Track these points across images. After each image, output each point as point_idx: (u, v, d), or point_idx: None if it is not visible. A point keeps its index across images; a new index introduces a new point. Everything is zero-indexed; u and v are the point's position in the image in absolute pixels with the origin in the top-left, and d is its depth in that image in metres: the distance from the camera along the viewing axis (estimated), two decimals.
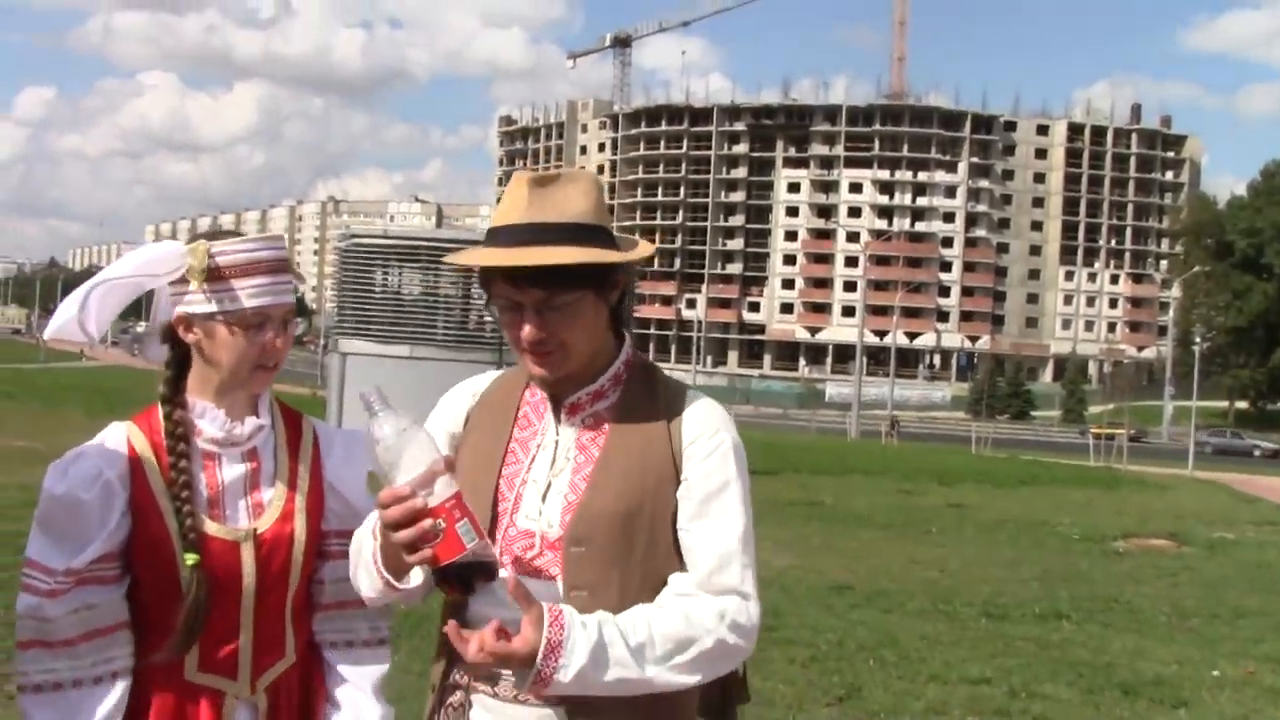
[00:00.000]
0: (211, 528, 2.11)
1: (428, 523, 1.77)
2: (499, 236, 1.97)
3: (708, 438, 2.01)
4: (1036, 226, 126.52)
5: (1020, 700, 6.69)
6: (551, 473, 2.02)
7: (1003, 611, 9.84)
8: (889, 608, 9.79)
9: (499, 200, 2.08)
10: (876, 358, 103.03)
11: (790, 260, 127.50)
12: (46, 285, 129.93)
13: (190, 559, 2.07)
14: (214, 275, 2.11)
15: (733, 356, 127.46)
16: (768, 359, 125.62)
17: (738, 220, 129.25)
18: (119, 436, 2.15)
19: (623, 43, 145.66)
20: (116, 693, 2.08)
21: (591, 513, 1.95)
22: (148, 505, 2.09)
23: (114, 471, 2.09)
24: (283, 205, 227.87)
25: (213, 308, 2.12)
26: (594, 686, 1.85)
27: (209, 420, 2.16)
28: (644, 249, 2.09)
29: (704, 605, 1.92)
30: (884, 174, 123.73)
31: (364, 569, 1.98)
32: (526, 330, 1.95)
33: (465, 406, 2.16)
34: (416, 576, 1.90)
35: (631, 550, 1.95)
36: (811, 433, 49.57)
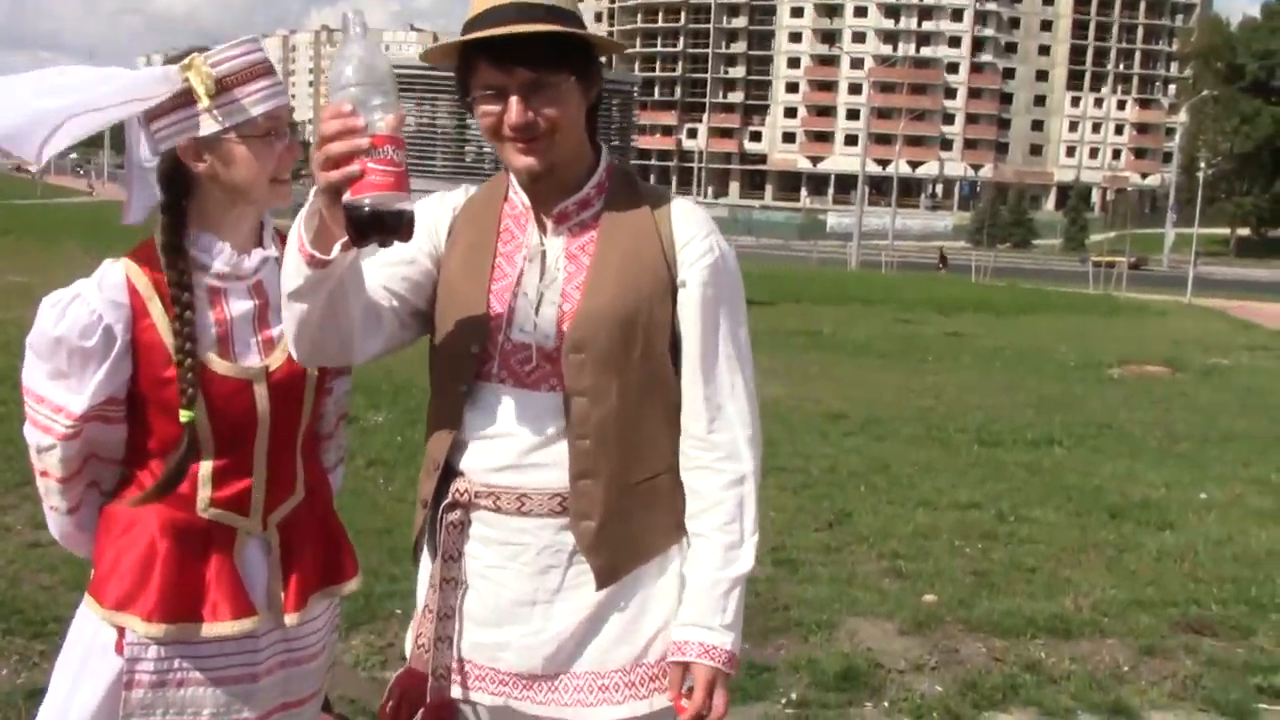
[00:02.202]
0: (221, 366, 2.06)
1: (362, 141, 1.63)
2: (482, 21, 1.90)
3: (699, 240, 2.00)
4: (1044, 51, 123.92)
5: (1008, 524, 6.78)
6: (542, 284, 1.99)
7: (995, 438, 9.92)
8: (882, 435, 9.89)
9: None
10: (879, 187, 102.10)
11: (793, 88, 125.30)
12: None
13: (185, 415, 2.02)
14: (219, 88, 1.99)
15: (734, 187, 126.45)
16: (769, 189, 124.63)
17: (739, 47, 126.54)
18: (118, 277, 2.05)
19: None
20: (94, 506, 2.16)
21: (589, 319, 1.94)
22: (154, 346, 2.03)
23: (114, 316, 2.01)
24: (275, 35, 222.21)
25: (224, 124, 2.00)
26: (739, 606, 2.01)
27: (214, 255, 2.07)
28: (615, 42, 2.07)
29: (720, 479, 2.00)
30: None
31: (289, 250, 1.80)
32: (513, 112, 1.89)
33: (446, 219, 2.09)
34: (337, 250, 1.73)
35: (629, 354, 1.96)
36: (813, 263, 49.44)
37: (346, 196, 1.65)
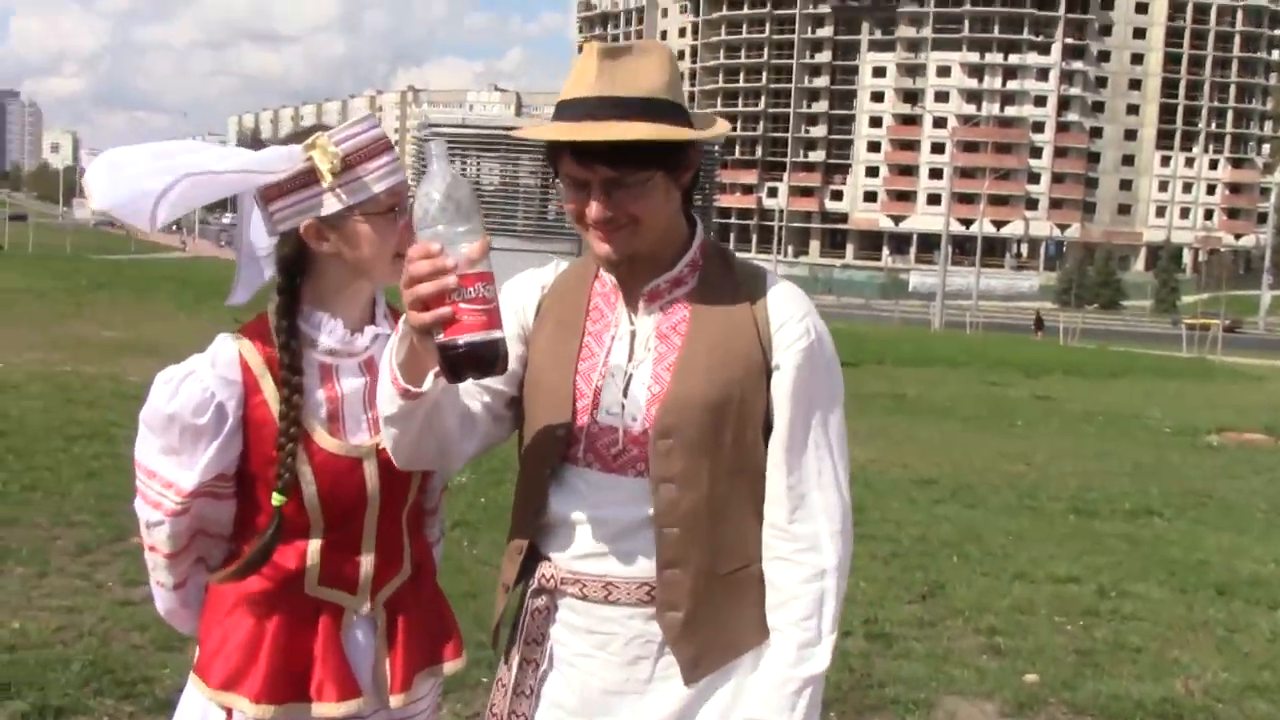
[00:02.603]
0: (331, 444, 2.02)
1: (451, 280, 1.65)
2: (567, 110, 1.85)
3: (795, 322, 1.92)
4: (1133, 110, 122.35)
5: (1110, 599, 6.53)
6: (631, 364, 1.94)
7: (1091, 507, 9.64)
8: (973, 502, 9.65)
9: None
10: (962, 246, 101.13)
11: (875, 147, 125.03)
12: None
13: (277, 499, 1.99)
14: (342, 166, 1.97)
15: (815, 246, 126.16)
16: (850, 248, 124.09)
17: (821, 106, 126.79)
18: (231, 354, 2.02)
19: None
20: (201, 583, 2.15)
21: (678, 403, 1.88)
22: (265, 423, 2.01)
23: (226, 393, 1.99)
24: (363, 95, 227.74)
25: (347, 202, 1.98)
26: (809, 705, 1.90)
27: (327, 332, 2.05)
28: (720, 127, 1.98)
29: (799, 573, 1.90)
30: (973, 57, 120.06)
31: (382, 378, 1.84)
32: (593, 208, 1.86)
33: (535, 299, 2.05)
34: (429, 382, 1.77)
35: (719, 440, 1.89)
36: (895, 323, 49.01)
37: (440, 337, 1.67)
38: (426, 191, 1.68)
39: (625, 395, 1.92)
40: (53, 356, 13.91)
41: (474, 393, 1.96)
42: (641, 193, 1.85)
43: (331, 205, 1.98)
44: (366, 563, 2.07)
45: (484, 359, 1.67)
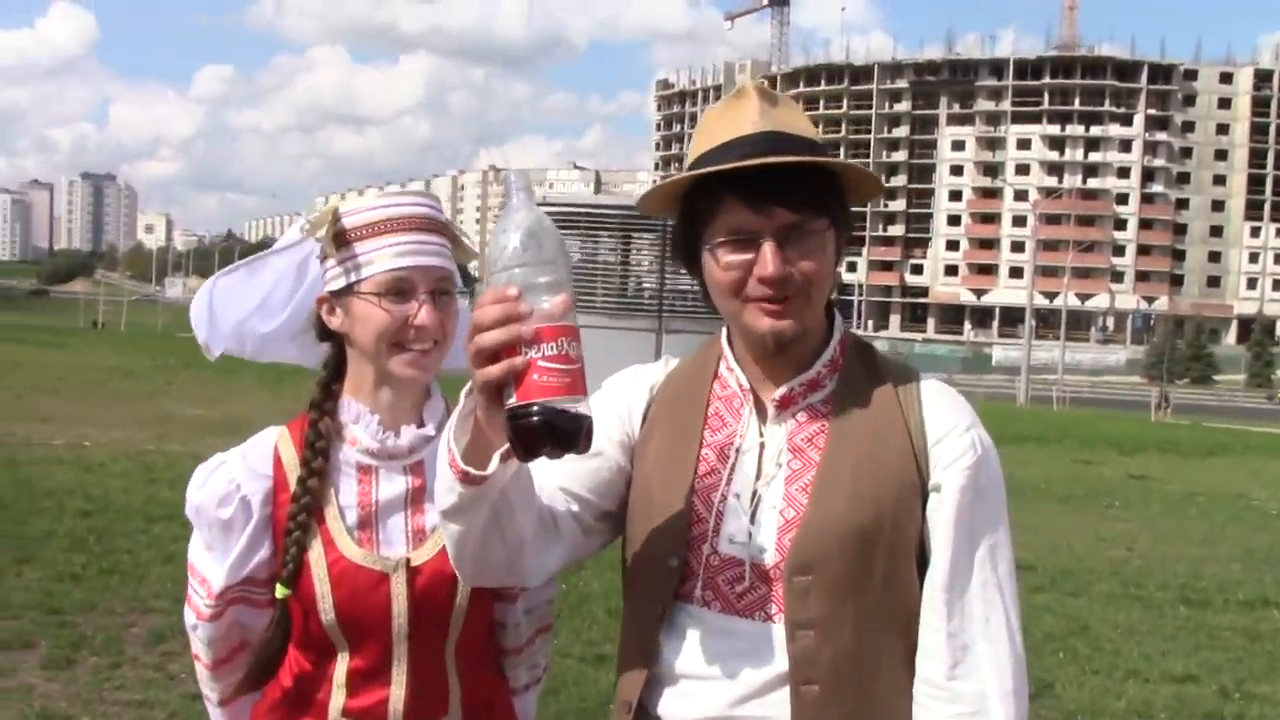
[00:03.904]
0: (355, 553, 1.79)
1: (526, 330, 1.33)
2: (728, 151, 1.57)
3: (959, 434, 1.62)
4: (1219, 180, 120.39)
5: (1234, 702, 6.09)
6: (759, 483, 1.62)
7: (1203, 597, 9.11)
8: (1076, 590, 9.18)
9: (689, 145, 1.70)
10: (1046, 320, 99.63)
11: (954, 220, 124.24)
12: (224, 256, 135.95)
13: (281, 591, 1.79)
14: (342, 239, 1.79)
15: (894, 320, 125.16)
16: (931, 322, 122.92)
17: (899, 180, 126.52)
18: (265, 447, 1.86)
19: (781, 1, 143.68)
20: (249, 704, 1.95)
21: (818, 532, 1.57)
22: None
23: (253, 487, 1.83)
24: (446, 175, 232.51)
25: (345, 280, 1.79)
26: None
27: (362, 427, 1.83)
28: (878, 181, 1.72)
29: None
30: (1054, 129, 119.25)
31: (440, 461, 1.50)
32: (768, 263, 1.54)
33: (642, 401, 1.75)
34: (495, 463, 1.43)
35: (868, 577, 1.57)
36: (979, 398, 48.13)
37: (510, 401, 1.34)
38: (503, 228, 1.38)
39: (752, 521, 1.61)
40: (139, 435, 14.03)
41: (558, 495, 1.65)
42: (818, 246, 1.58)
43: (337, 280, 1.82)
44: (397, 698, 1.81)
45: (564, 430, 1.33)
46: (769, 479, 1.63)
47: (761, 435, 1.65)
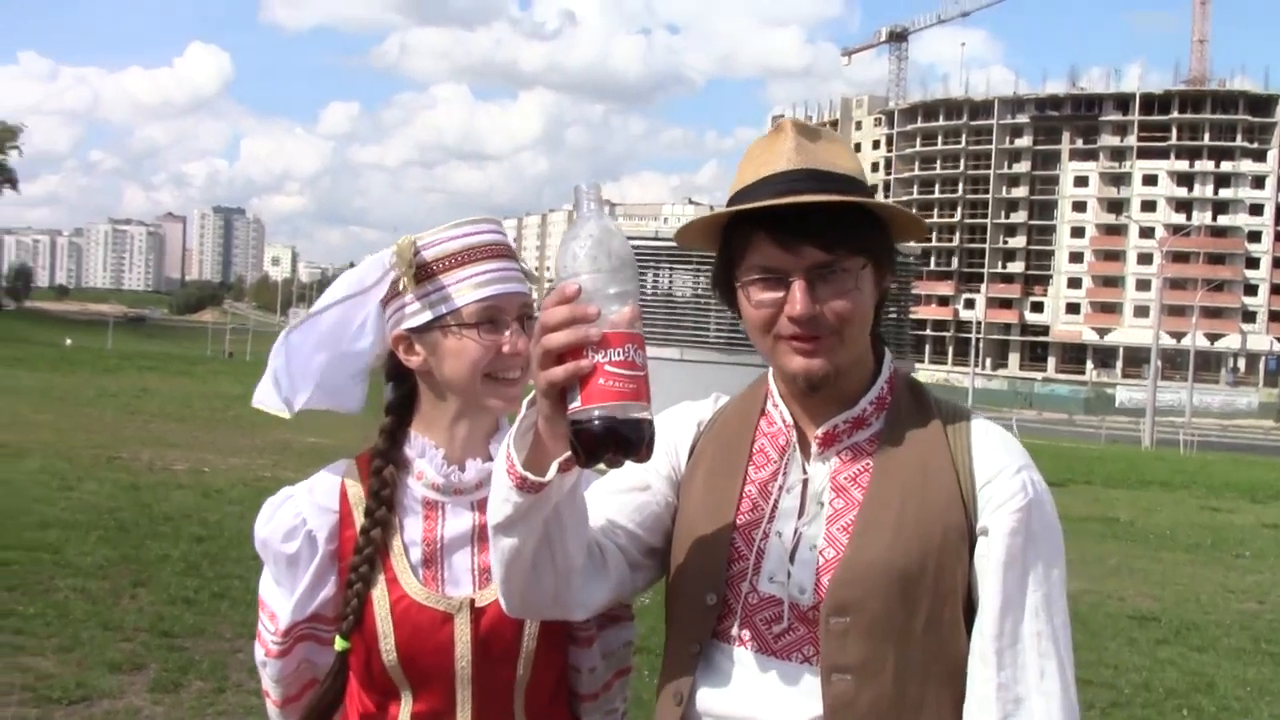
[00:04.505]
0: (419, 592, 1.76)
1: (593, 332, 1.32)
2: (759, 190, 1.55)
3: (1009, 476, 1.54)
4: None
5: None
6: (801, 522, 1.58)
7: None
8: (1201, 645, 8.78)
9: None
10: (1173, 361, 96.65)
11: (1077, 258, 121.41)
12: None
13: (340, 644, 1.76)
14: (424, 274, 1.75)
15: (1013, 359, 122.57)
16: (1052, 361, 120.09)
17: (1020, 217, 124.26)
18: (331, 483, 1.84)
19: (899, 37, 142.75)
20: None
21: (858, 572, 1.52)
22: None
23: (318, 523, 1.80)
24: (561, 209, 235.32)
25: (430, 314, 1.75)
26: None
27: (428, 461, 1.80)
28: (920, 221, 1.66)
29: None
30: (1182, 165, 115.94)
31: (496, 472, 1.49)
32: (797, 302, 1.51)
33: (689, 437, 1.73)
34: (553, 470, 1.41)
35: (910, 622, 1.51)
36: (1101, 440, 46.80)
37: (573, 405, 1.33)
38: (573, 236, 1.38)
39: (792, 560, 1.56)
40: (256, 462, 14.37)
41: (607, 529, 1.63)
42: (852, 286, 1.54)
43: (417, 317, 1.77)
44: None
45: (627, 437, 1.32)
46: (810, 518, 1.59)
47: (805, 473, 1.62)
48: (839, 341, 1.56)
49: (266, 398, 1.84)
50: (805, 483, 1.61)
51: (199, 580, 7.62)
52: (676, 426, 1.75)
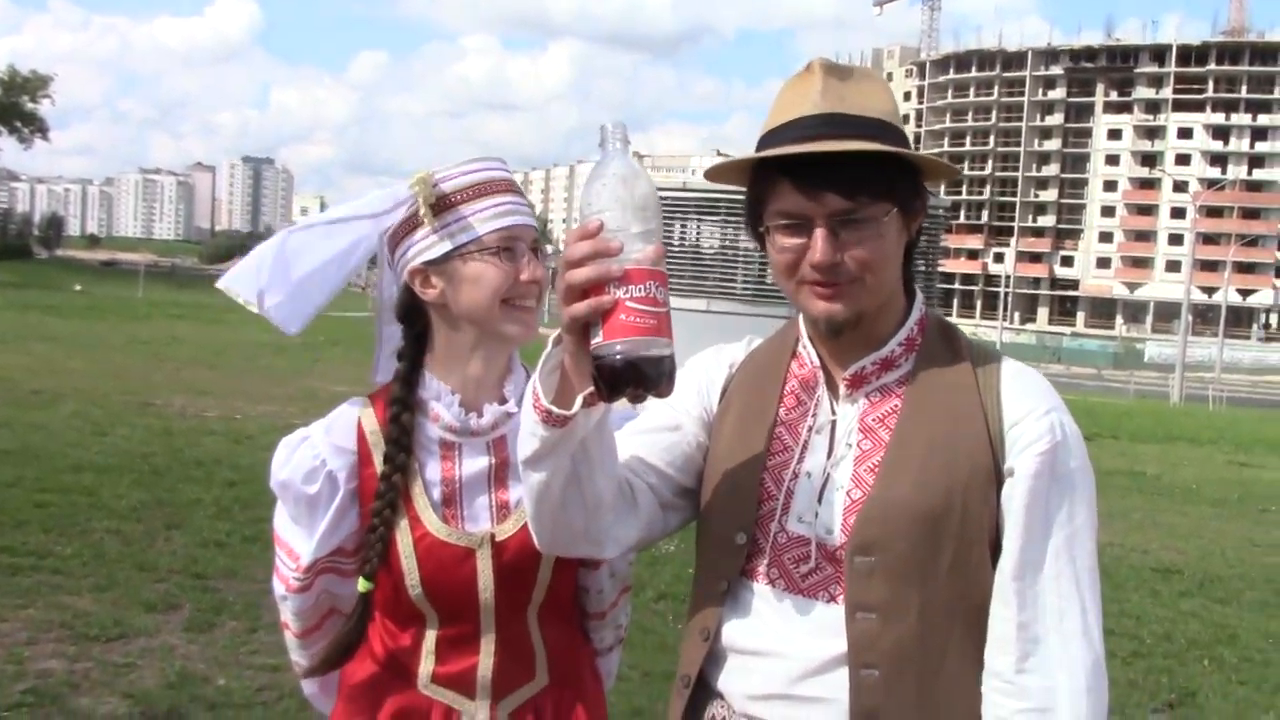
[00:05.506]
0: (441, 531, 1.82)
1: (615, 267, 1.35)
2: (786, 133, 1.54)
3: (1037, 417, 1.55)
4: None
5: None
6: (829, 463, 1.60)
7: None
8: (1224, 597, 8.78)
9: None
10: (1204, 316, 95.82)
11: (1109, 212, 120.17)
12: None
13: (363, 585, 1.82)
14: (442, 205, 1.79)
15: (1042, 313, 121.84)
16: (1081, 316, 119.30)
17: (1051, 170, 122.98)
18: (349, 421, 1.88)
19: None
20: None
21: (883, 512, 1.53)
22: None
23: (338, 463, 1.85)
24: (589, 160, 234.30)
25: (449, 245, 1.79)
26: None
27: (445, 405, 1.85)
28: (950, 166, 1.66)
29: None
30: (1218, 117, 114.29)
31: (525, 408, 1.52)
32: (818, 249, 1.52)
33: (721, 378, 1.75)
34: (578, 404, 1.44)
35: (935, 561, 1.52)
36: (1129, 395, 46.52)
37: (596, 340, 1.36)
38: (597, 174, 1.40)
39: (820, 500, 1.58)
40: (286, 409, 14.49)
41: (638, 468, 1.66)
42: (874, 233, 1.54)
43: (436, 248, 1.80)
44: (485, 665, 1.83)
45: (647, 372, 1.35)
46: (839, 459, 1.60)
47: (834, 414, 1.63)
48: (862, 287, 1.56)
49: (238, 283, 1.83)
50: (834, 424, 1.62)
51: (230, 524, 7.74)
52: (709, 368, 1.77)
